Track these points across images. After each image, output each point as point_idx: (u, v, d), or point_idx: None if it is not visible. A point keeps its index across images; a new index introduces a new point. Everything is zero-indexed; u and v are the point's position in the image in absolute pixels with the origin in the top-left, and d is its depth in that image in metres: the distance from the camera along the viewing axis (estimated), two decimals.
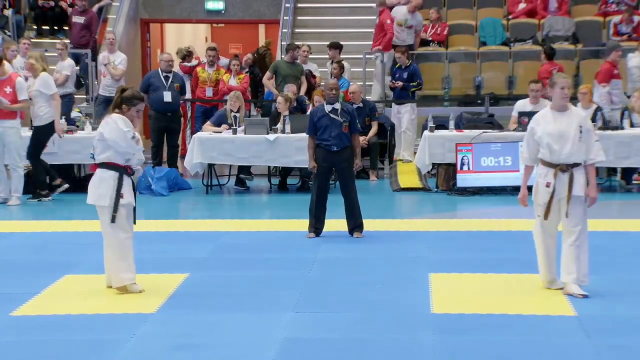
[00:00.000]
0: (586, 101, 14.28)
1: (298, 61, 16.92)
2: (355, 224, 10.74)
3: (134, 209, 8.20)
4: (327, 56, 17.72)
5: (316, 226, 10.71)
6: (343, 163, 10.70)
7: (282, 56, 17.61)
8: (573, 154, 7.90)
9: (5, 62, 13.29)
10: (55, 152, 13.95)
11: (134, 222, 8.21)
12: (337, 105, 10.73)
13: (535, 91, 14.40)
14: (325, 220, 10.74)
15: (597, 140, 8.05)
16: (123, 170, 8.09)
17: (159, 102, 15.62)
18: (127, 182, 8.11)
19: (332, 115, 10.66)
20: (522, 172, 8.43)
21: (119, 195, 8.03)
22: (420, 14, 18.61)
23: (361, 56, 18.47)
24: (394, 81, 16.81)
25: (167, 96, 15.56)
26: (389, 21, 18.11)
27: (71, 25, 19.47)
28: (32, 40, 20.10)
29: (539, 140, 7.96)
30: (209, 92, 17.11)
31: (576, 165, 7.91)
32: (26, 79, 13.65)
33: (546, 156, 7.95)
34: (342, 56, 17.81)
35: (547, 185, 7.93)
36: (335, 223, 10.90)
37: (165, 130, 15.76)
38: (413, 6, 18.23)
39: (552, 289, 8.11)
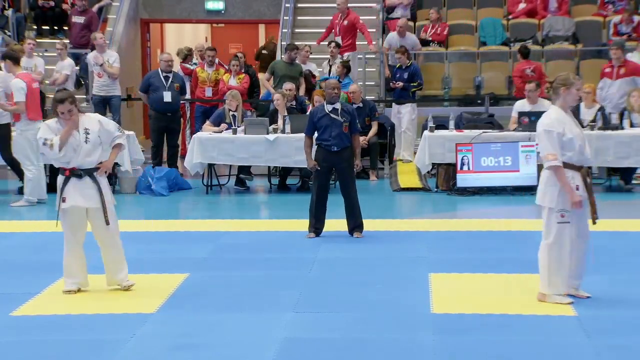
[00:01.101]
0: (590, 100, 14.33)
1: (297, 61, 16.93)
2: (355, 224, 10.73)
3: (101, 209, 8.02)
4: (329, 55, 17.65)
5: (316, 226, 10.71)
6: (343, 163, 10.70)
7: (282, 56, 17.61)
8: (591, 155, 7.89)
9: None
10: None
11: (107, 223, 8.04)
12: (338, 105, 10.72)
13: (528, 91, 14.40)
14: (325, 220, 10.73)
15: None
16: (62, 173, 8.06)
17: (159, 102, 15.62)
18: (73, 185, 8.02)
19: (332, 115, 10.65)
20: (556, 175, 7.61)
21: (60, 199, 8.05)
22: (411, 34, 18.35)
23: (360, 56, 18.46)
24: (394, 82, 16.81)
25: (167, 96, 15.56)
26: (361, 21, 18.07)
27: (71, 25, 19.48)
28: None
29: (570, 143, 7.64)
30: (209, 92, 17.10)
31: None
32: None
33: (574, 159, 7.67)
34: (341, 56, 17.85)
35: (577, 189, 7.66)
36: (335, 223, 10.89)
37: (165, 130, 15.76)
38: (400, 31, 17.99)
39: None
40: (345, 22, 18.04)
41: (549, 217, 7.71)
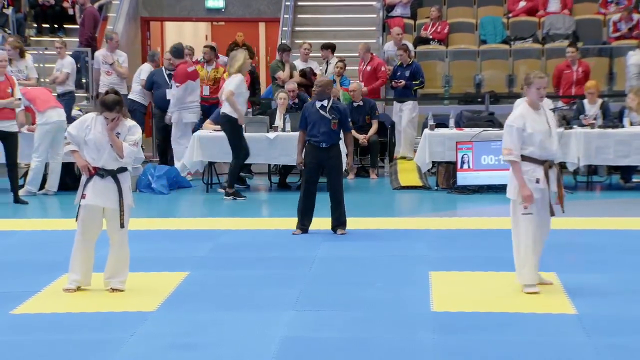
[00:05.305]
0: (594, 97, 14.38)
1: (299, 60, 16.95)
2: (338, 222, 10.71)
3: (118, 211, 8.01)
4: (322, 58, 17.58)
5: (303, 222, 10.70)
6: (331, 160, 10.71)
7: (277, 57, 17.63)
8: (559, 151, 8.14)
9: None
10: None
11: (122, 226, 8.03)
12: (326, 102, 10.73)
13: None
14: (324, 220, 10.72)
15: None
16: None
17: (163, 100, 15.60)
18: (95, 183, 8.03)
19: (321, 112, 10.67)
20: (512, 169, 7.93)
21: (80, 195, 8.08)
22: (406, 41, 18.19)
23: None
24: (396, 80, 16.79)
25: (171, 94, 15.55)
26: (383, 68, 17.07)
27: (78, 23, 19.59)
28: (32, 38, 20.15)
29: (530, 138, 7.88)
30: (206, 91, 17.06)
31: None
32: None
33: (535, 153, 7.90)
34: (342, 54, 17.80)
35: (537, 182, 7.88)
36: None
37: (169, 128, 15.74)
38: (397, 40, 17.87)
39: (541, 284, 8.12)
40: (368, 68, 17.14)
41: (515, 209, 7.96)
